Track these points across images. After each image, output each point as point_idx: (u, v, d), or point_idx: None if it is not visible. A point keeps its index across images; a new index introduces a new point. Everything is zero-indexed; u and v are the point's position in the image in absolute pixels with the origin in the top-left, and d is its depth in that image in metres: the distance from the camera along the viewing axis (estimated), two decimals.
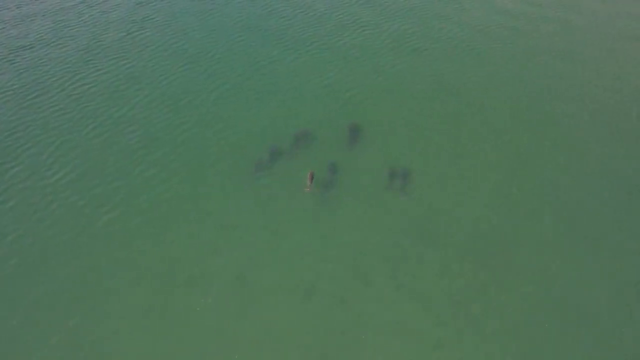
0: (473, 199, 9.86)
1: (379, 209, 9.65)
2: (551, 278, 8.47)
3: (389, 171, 10.31)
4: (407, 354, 7.45)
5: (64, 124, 11.72)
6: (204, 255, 8.81)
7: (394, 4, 17.07)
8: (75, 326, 7.75)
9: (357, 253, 8.86)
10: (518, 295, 8.19)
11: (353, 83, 13.22)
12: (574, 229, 9.32)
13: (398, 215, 9.51)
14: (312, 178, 9.83)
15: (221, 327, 7.78)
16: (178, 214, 9.57)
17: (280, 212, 9.59)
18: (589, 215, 9.56)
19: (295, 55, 14.30)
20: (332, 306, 8.08)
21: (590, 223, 9.42)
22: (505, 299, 8.13)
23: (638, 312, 7.95)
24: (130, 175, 10.33)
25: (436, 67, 13.84)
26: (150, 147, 11.05)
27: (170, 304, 8.06)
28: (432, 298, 8.18)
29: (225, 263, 8.67)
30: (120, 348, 7.49)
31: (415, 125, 11.79)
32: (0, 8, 16.84)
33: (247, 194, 9.96)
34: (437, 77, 13.43)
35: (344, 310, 8.01)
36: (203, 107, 12.30)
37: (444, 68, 13.80)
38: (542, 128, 11.68)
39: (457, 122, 11.88)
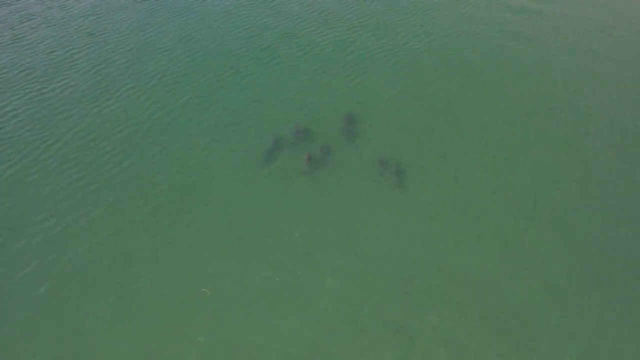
0: (467, 243, 8.65)
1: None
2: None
3: (380, 160, 10.04)
4: None
5: None
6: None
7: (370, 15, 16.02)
8: None
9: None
10: None
11: (326, 95, 12.05)
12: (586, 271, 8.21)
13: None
14: (308, 160, 9.94)
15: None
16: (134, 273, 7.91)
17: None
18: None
19: (262, 71, 12.97)
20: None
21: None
22: None
23: None
24: (64, 225, 8.59)
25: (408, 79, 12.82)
26: (103, 190, 9.31)
27: None
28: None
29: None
30: None
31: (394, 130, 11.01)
32: None
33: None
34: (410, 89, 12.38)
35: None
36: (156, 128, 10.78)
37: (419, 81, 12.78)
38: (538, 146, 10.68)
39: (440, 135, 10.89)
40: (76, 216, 8.77)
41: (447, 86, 12.55)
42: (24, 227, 8.53)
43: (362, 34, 14.80)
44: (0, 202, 9.02)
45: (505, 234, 8.70)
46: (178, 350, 6.91)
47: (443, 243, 8.50)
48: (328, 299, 7.62)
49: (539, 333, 7.28)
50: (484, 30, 15.18)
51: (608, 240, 8.67)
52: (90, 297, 7.57)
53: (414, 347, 7.04)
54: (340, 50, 13.92)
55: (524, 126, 11.22)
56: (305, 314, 7.39)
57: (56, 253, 8.14)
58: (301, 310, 7.43)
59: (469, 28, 15.28)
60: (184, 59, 13.34)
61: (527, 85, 12.71)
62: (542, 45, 14.51)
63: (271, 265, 8.04)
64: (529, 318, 7.47)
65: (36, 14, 15.54)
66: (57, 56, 13.38)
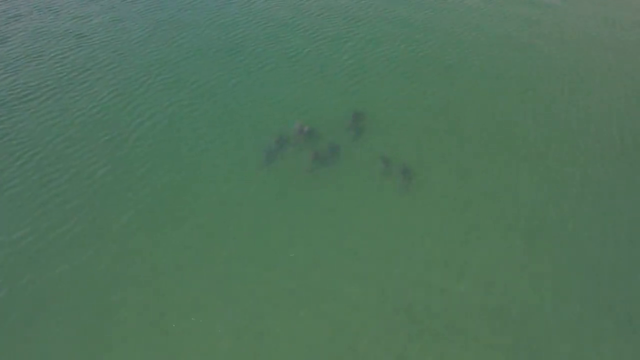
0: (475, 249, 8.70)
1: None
2: None
3: (383, 159, 10.06)
4: None
5: None
6: None
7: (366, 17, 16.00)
8: None
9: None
10: None
11: (325, 95, 11.96)
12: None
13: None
14: (314, 158, 10.05)
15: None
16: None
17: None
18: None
19: (258, 72, 12.91)
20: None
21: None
22: None
23: None
24: (45, 233, 8.48)
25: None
26: (88, 194, 9.33)
27: None
28: None
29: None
30: None
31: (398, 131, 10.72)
32: None
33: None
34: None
35: None
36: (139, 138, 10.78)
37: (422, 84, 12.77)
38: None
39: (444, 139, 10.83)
40: (63, 220, 8.72)
41: (447, 86, 12.54)
42: (20, 229, 8.54)
43: (361, 34, 14.77)
44: None
45: (505, 234, 8.70)
46: (177, 352, 6.91)
47: (442, 243, 8.50)
48: (327, 300, 7.61)
49: (539, 334, 7.28)
50: (484, 31, 15.15)
51: (608, 241, 8.66)
52: (90, 298, 7.56)
53: (414, 347, 7.04)
54: (339, 51, 13.89)
55: (524, 126, 11.22)
56: (305, 315, 7.38)
57: (51, 255, 8.14)
58: (300, 312, 7.41)
59: (468, 28, 15.25)
60: (176, 60, 13.26)
61: (527, 85, 12.70)
62: (541, 45, 14.49)
63: (270, 266, 8.03)
64: (529, 318, 7.47)
65: (23, 15, 15.32)
66: (43, 58, 13.21)
